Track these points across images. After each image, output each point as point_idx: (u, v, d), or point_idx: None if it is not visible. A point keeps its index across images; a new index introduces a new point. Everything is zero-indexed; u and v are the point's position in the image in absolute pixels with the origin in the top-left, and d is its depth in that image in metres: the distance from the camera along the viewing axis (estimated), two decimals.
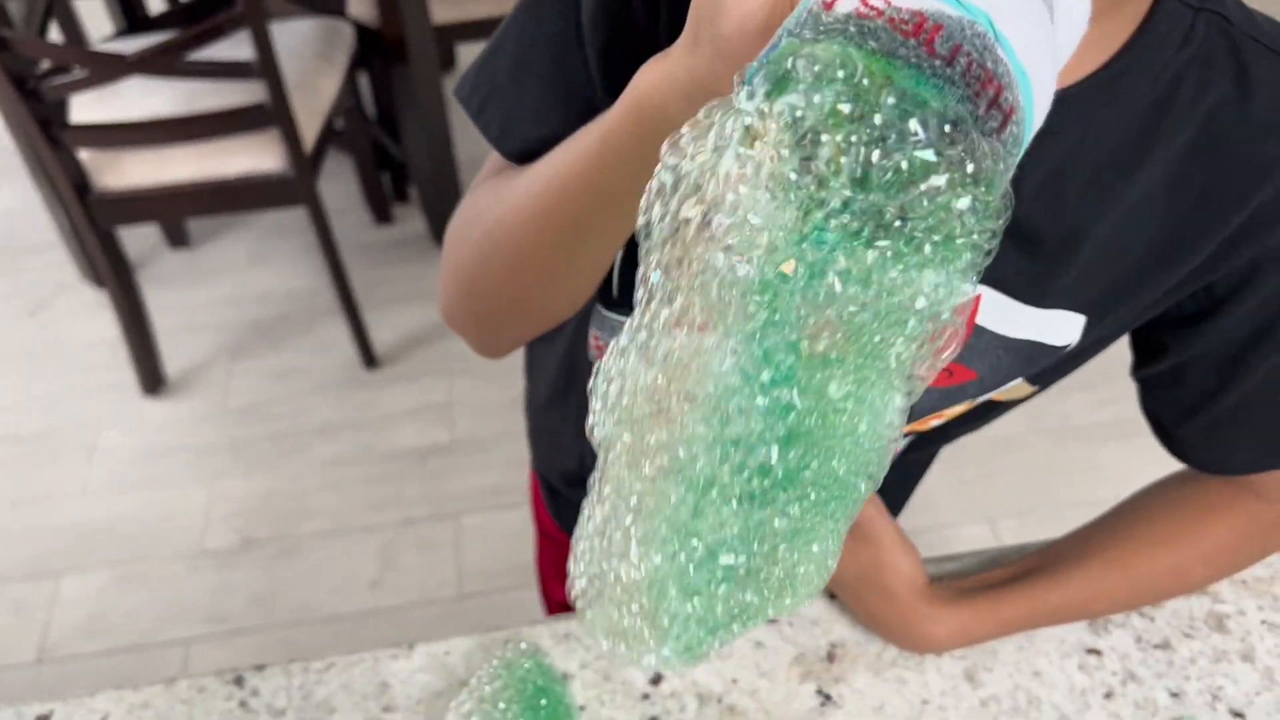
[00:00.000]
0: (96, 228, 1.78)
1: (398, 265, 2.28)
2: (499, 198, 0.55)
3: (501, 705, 0.59)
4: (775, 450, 0.33)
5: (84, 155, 1.71)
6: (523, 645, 0.64)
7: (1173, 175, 0.49)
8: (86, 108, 1.73)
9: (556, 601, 0.96)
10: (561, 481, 0.83)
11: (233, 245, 2.36)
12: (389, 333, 2.13)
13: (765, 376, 0.32)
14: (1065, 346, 0.56)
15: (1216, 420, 0.60)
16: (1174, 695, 0.63)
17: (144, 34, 1.97)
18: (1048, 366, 0.58)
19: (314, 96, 1.83)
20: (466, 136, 2.27)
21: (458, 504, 1.84)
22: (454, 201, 2.23)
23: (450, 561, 1.75)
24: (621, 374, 0.35)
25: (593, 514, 0.39)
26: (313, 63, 1.88)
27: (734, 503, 0.35)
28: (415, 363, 2.07)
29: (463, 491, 1.85)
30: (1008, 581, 0.65)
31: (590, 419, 0.36)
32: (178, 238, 2.32)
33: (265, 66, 1.61)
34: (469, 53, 2.85)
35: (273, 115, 1.68)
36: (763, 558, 0.37)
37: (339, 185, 2.42)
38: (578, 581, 0.40)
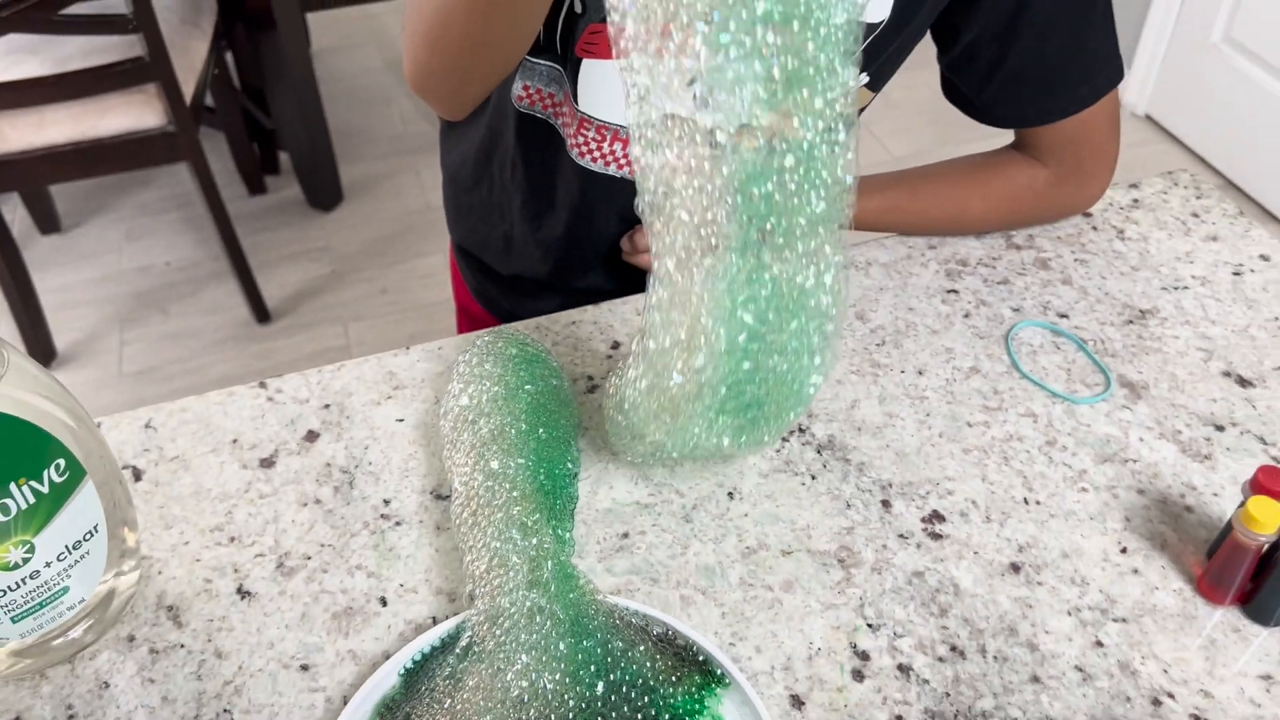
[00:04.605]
0: None
1: (275, 230, 2.35)
2: None
3: (499, 353, 0.72)
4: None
5: None
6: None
7: None
8: None
9: None
10: (487, 253, 0.95)
11: (105, 227, 2.38)
12: (277, 290, 2.19)
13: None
14: (880, 22, 0.73)
15: (1004, 83, 0.79)
16: (1015, 310, 0.82)
17: None
18: (870, 49, 0.75)
19: (187, 56, 1.91)
20: (335, 106, 2.37)
21: None
22: (329, 167, 2.32)
23: None
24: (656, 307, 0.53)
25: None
26: (179, 26, 1.95)
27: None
28: (308, 313, 2.15)
29: None
30: None
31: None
32: (48, 224, 2.33)
33: (142, 17, 1.68)
34: (319, 23, 2.93)
35: (151, 69, 1.75)
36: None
37: (209, 161, 2.47)
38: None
